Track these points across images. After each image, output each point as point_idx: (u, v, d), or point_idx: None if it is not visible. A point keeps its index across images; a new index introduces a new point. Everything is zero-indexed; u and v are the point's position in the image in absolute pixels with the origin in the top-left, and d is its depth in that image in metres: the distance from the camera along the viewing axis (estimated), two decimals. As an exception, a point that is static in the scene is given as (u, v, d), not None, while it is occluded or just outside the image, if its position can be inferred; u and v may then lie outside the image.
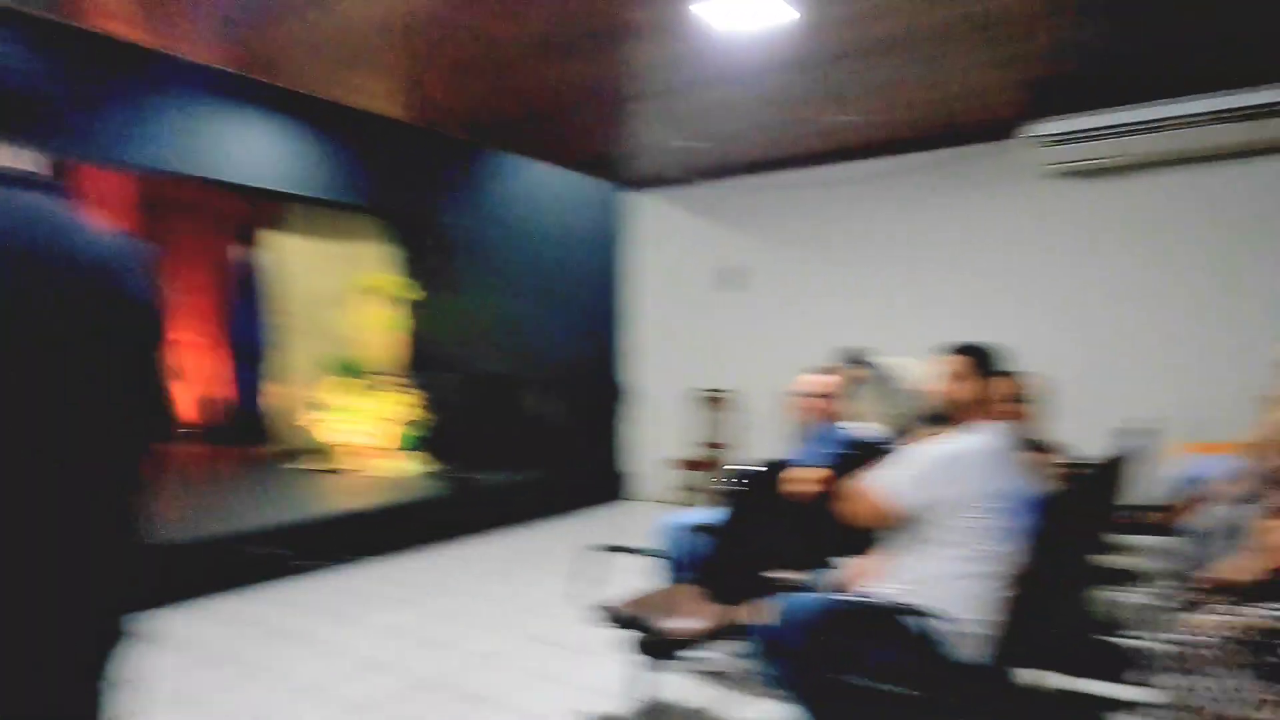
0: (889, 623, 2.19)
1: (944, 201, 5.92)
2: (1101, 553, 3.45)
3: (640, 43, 4.20)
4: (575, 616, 3.51)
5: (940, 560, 2.18)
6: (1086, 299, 5.49)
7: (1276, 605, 1.97)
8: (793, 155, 6.20)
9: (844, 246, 6.36)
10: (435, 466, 6.31)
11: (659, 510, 6.65)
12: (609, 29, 4.02)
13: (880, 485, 2.23)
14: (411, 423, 6.42)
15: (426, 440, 6.42)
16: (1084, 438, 3.79)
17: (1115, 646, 3.19)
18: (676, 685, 3.05)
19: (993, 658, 2.12)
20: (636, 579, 3.01)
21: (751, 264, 6.77)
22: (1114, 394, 5.13)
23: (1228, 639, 1.96)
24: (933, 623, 2.12)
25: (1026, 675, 2.63)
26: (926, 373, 2.49)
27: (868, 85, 4.77)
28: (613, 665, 3.07)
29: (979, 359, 2.34)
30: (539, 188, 6.87)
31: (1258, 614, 1.97)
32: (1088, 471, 3.33)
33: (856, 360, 4.66)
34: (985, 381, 2.31)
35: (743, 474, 2.62)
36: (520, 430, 6.66)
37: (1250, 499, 2.89)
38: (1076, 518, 2.43)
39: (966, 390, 2.31)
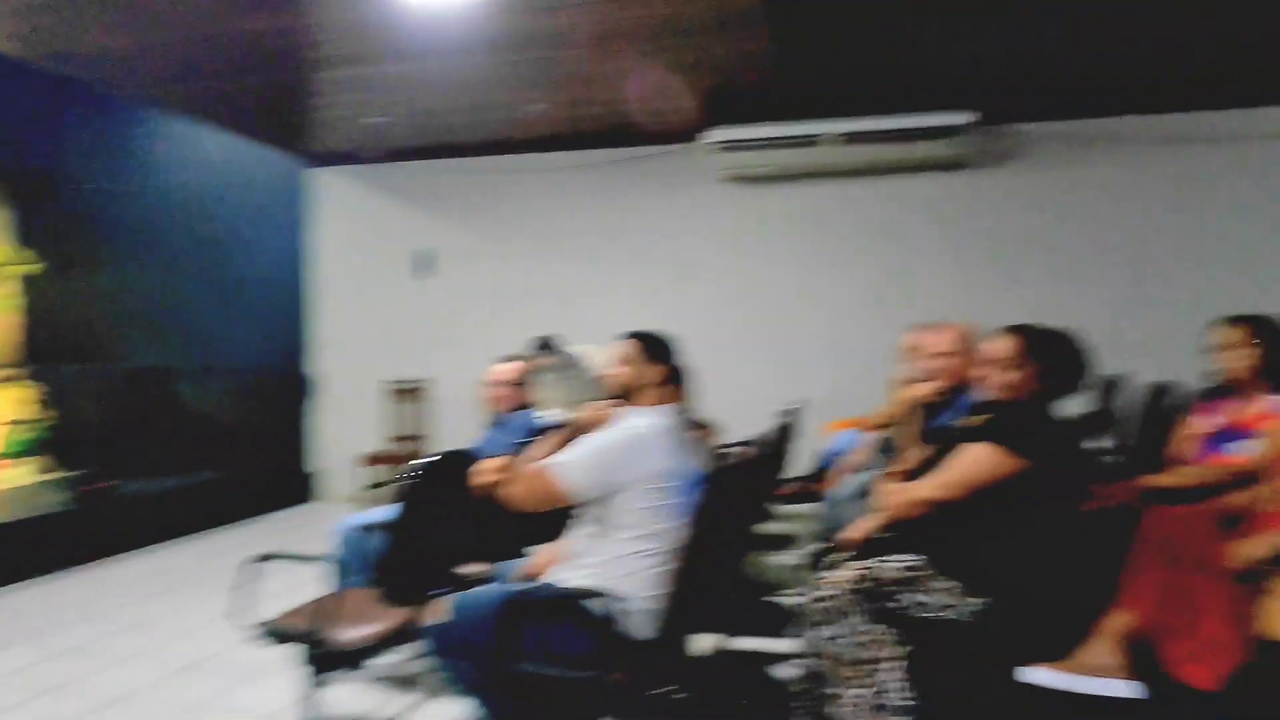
0: (571, 609, 2.20)
1: (630, 198, 6.20)
2: (765, 521, 3.81)
3: (328, 5, 3.87)
4: (239, 637, 3.15)
5: (617, 542, 2.23)
6: (753, 293, 6.04)
7: (888, 557, 2.26)
8: (488, 141, 6.12)
9: (536, 236, 6.41)
10: (61, 474, 5.32)
11: (349, 511, 6.27)
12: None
13: (553, 469, 2.22)
14: (28, 423, 5.34)
15: (49, 444, 5.38)
16: (752, 418, 4.12)
17: (775, 605, 3.53)
18: (352, 697, 2.84)
19: (663, 631, 2.21)
20: (311, 588, 2.76)
21: (444, 250, 6.58)
22: (776, 378, 5.69)
23: (849, 590, 2.21)
24: (613, 604, 2.16)
25: (701, 641, 2.80)
26: (605, 358, 2.56)
27: (557, 77, 4.82)
28: (281, 687, 2.79)
29: (647, 345, 2.42)
30: (211, 155, 6.11)
31: (871, 566, 2.25)
32: (753, 449, 3.66)
33: (545, 347, 4.74)
34: (653, 366, 2.40)
35: (415, 466, 2.49)
36: (186, 429, 5.88)
37: (874, 466, 3.33)
38: (739, 491, 2.63)
39: (635, 374, 2.38)
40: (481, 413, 3.73)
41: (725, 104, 5.23)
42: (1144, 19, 4.02)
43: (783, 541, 4.28)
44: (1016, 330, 2.29)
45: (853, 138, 5.17)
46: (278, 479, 6.66)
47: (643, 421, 2.29)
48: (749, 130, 5.32)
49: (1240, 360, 2.75)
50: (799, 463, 4.74)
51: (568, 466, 2.22)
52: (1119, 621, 2.06)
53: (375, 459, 6.33)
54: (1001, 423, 2.22)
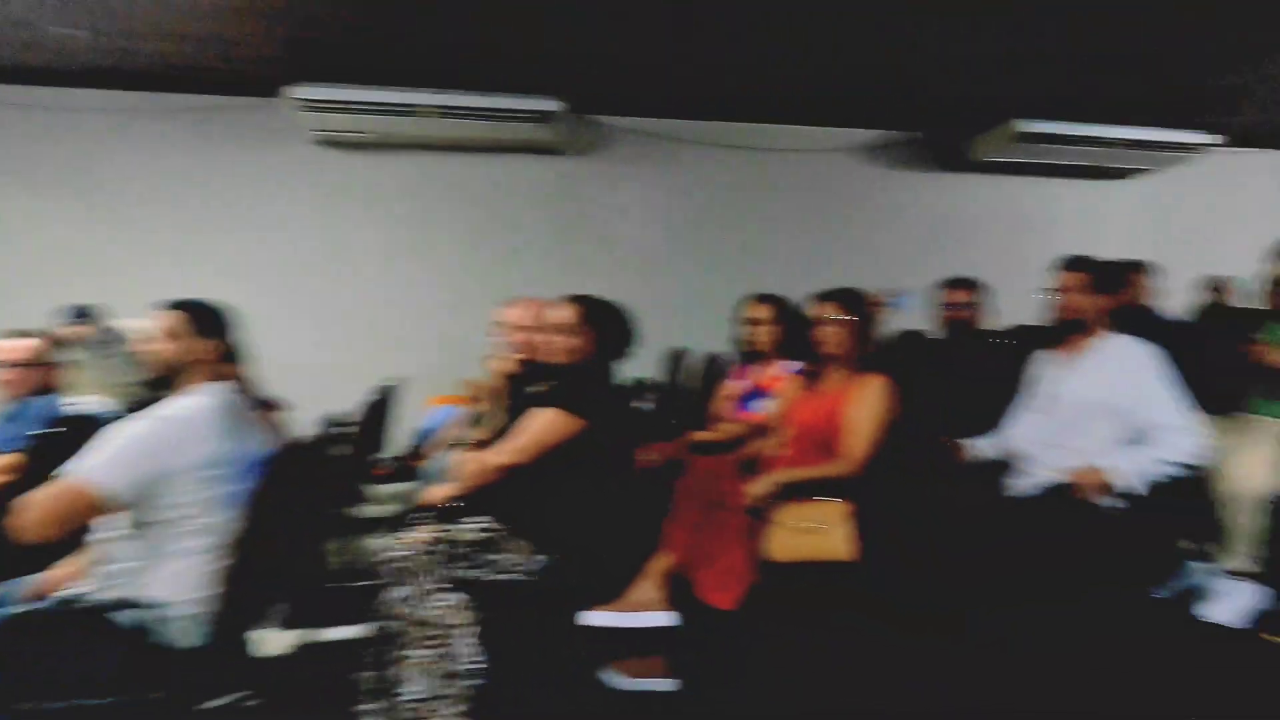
0: (93, 625, 1.89)
1: (201, 153, 5.47)
2: (355, 504, 3.66)
3: None
4: None
5: (151, 543, 1.96)
6: (347, 265, 5.73)
7: (464, 520, 2.30)
8: (5, 65, 4.97)
9: (76, 188, 5.36)
10: None
11: None
12: None
13: (79, 478, 1.88)
14: None
15: None
16: (346, 395, 3.92)
17: (353, 590, 3.40)
18: None
19: (216, 635, 2.00)
20: None
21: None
22: (373, 355, 5.48)
23: (424, 550, 2.22)
24: (147, 613, 1.90)
25: (280, 639, 2.60)
26: (147, 332, 2.22)
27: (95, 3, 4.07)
28: None
29: (195, 316, 2.15)
30: None
31: (449, 529, 2.28)
32: (342, 429, 3.48)
33: (81, 317, 4.01)
34: (204, 340, 2.14)
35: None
36: None
37: (461, 440, 3.38)
38: (308, 473, 2.48)
39: (183, 350, 2.11)
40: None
41: (312, 58, 4.85)
42: (723, 33, 4.55)
43: (376, 524, 4.16)
44: (576, 299, 2.47)
45: (448, 111, 5.13)
46: None
47: (188, 403, 2.04)
48: (340, 91, 5.00)
49: (763, 333, 3.29)
50: (400, 441, 4.65)
51: (98, 470, 1.89)
52: (660, 562, 2.34)
53: None
54: (563, 387, 2.38)
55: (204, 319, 2.16)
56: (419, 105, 5.11)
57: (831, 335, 2.61)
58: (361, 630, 2.98)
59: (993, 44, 4.68)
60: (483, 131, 5.42)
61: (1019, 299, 6.21)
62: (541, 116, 5.30)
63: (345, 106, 5.04)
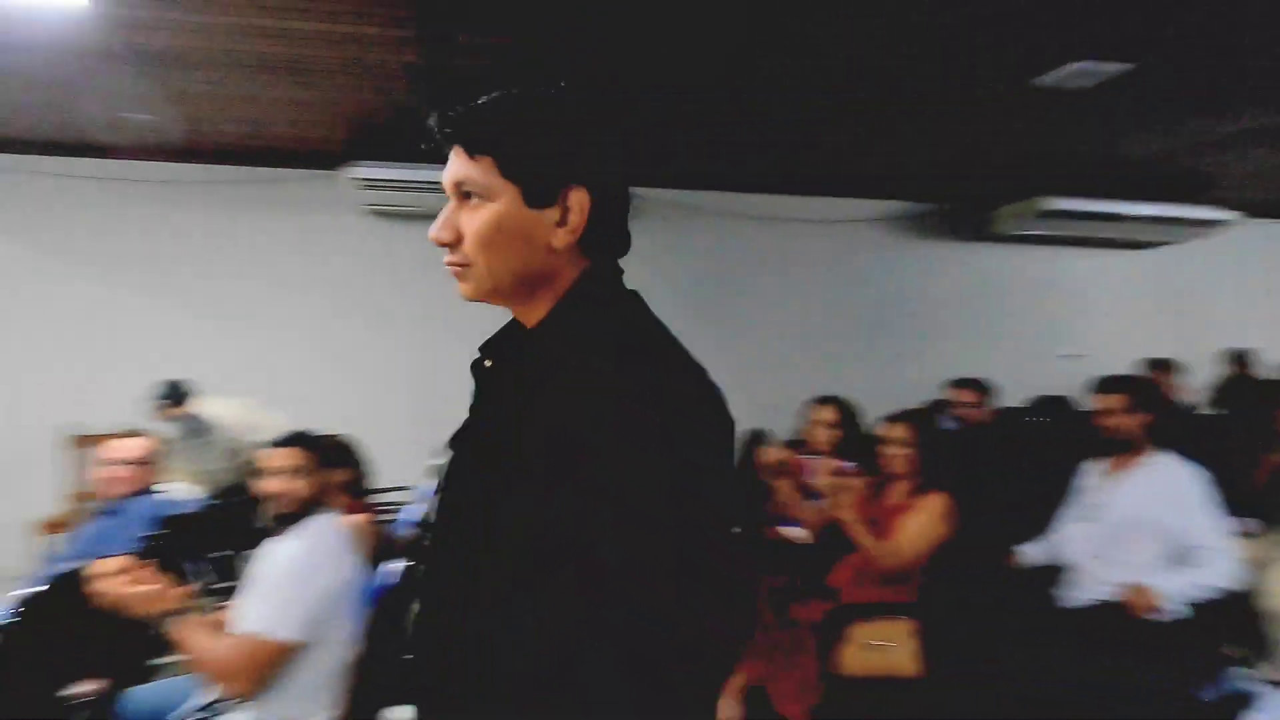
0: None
1: (256, 221, 5.65)
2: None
3: None
4: None
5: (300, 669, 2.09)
6: (388, 329, 5.85)
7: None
8: (82, 142, 5.16)
9: (128, 255, 5.50)
10: None
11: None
12: None
13: (254, 630, 1.99)
14: None
15: None
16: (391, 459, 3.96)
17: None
18: None
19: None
20: None
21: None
22: (423, 421, 5.55)
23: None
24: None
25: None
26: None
27: (172, 92, 4.28)
28: None
29: (315, 450, 2.29)
30: None
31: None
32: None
33: (173, 396, 3.97)
34: (326, 472, 2.30)
35: (25, 599, 2.10)
36: None
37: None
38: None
39: (306, 485, 2.25)
40: (86, 497, 3.17)
41: (366, 142, 5.07)
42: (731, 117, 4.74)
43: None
44: None
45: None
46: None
47: (317, 533, 2.19)
48: (394, 171, 5.21)
49: (823, 434, 3.45)
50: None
51: (273, 620, 1.99)
52: (738, 679, 2.50)
53: (55, 525, 4.85)
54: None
55: (324, 452, 2.32)
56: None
57: (899, 458, 2.77)
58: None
59: (1020, 132, 4.88)
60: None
61: (1044, 364, 6.40)
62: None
63: (399, 185, 5.24)
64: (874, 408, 3.63)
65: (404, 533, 2.94)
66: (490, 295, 0.97)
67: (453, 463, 0.96)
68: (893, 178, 6.00)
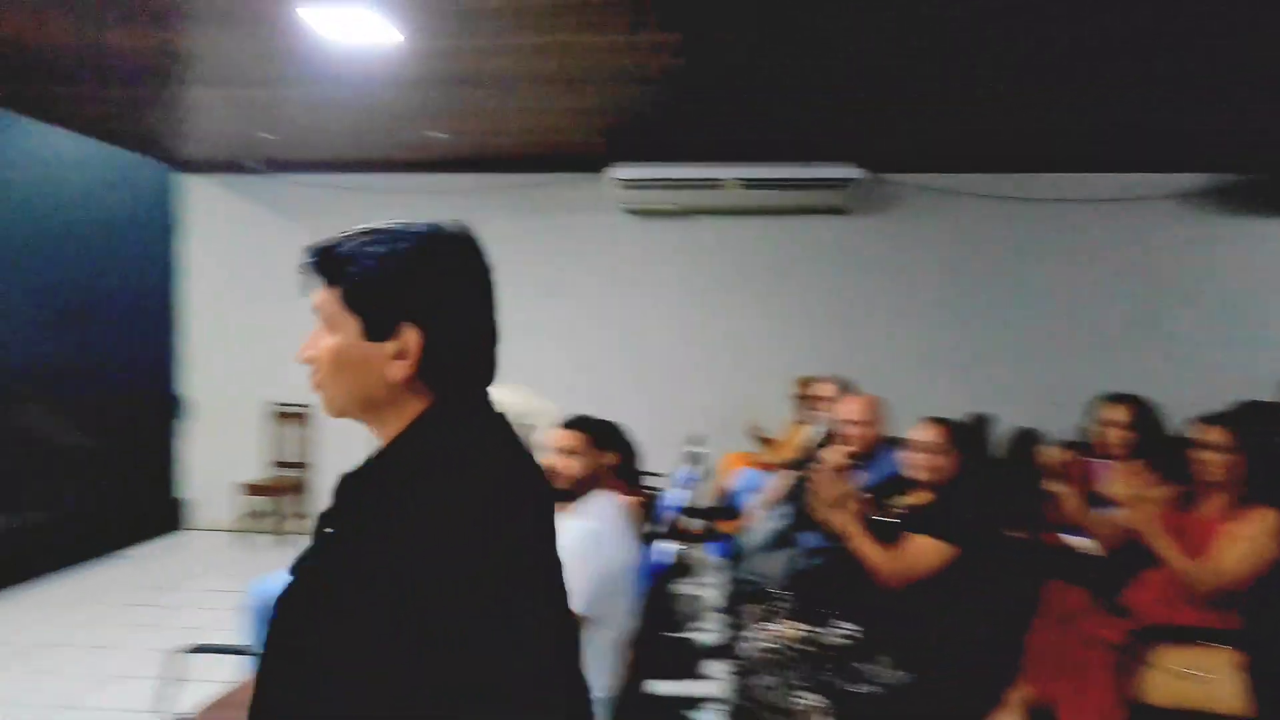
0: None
1: (529, 224, 6.12)
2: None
3: (228, 29, 3.66)
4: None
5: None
6: (649, 325, 6.12)
7: (831, 625, 2.43)
8: (372, 159, 5.93)
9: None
10: None
11: (226, 542, 5.94)
12: (198, 8, 3.45)
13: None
14: None
15: None
16: (654, 455, 4.15)
17: (684, 642, 3.62)
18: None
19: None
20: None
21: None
22: (673, 411, 5.77)
23: (788, 645, 2.37)
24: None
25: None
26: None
27: (465, 110, 4.77)
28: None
29: (593, 433, 2.45)
30: (51, 154, 5.60)
31: (819, 631, 2.41)
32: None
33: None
34: (600, 454, 2.45)
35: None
36: (38, 457, 5.43)
37: (785, 508, 3.51)
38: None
39: (582, 465, 2.40)
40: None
41: (628, 142, 5.31)
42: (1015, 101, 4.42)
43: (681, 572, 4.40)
44: (939, 421, 2.52)
45: (752, 183, 5.37)
46: (143, 508, 6.23)
47: (598, 515, 2.32)
48: (653, 170, 5.41)
49: (1115, 435, 3.11)
50: (702, 495, 4.91)
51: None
52: (1022, 693, 2.32)
53: (256, 488, 6.04)
54: (937, 512, 2.44)
55: (600, 435, 2.47)
56: (724, 179, 5.39)
57: (1217, 466, 2.43)
58: (687, 687, 3.20)
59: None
60: (778, 201, 5.60)
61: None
62: (841, 183, 5.37)
63: (659, 184, 5.44)
64: (1170, 407, 3.24)
65: (667, 515, 3.05)
66: (340, 415, 1.02)
67: (304, 554, 1.00)
68: (1186, 144, 5.28)
